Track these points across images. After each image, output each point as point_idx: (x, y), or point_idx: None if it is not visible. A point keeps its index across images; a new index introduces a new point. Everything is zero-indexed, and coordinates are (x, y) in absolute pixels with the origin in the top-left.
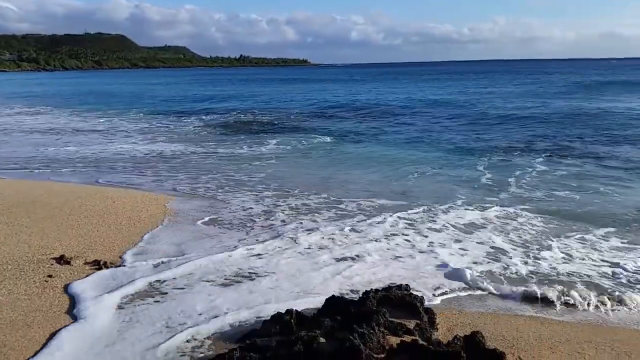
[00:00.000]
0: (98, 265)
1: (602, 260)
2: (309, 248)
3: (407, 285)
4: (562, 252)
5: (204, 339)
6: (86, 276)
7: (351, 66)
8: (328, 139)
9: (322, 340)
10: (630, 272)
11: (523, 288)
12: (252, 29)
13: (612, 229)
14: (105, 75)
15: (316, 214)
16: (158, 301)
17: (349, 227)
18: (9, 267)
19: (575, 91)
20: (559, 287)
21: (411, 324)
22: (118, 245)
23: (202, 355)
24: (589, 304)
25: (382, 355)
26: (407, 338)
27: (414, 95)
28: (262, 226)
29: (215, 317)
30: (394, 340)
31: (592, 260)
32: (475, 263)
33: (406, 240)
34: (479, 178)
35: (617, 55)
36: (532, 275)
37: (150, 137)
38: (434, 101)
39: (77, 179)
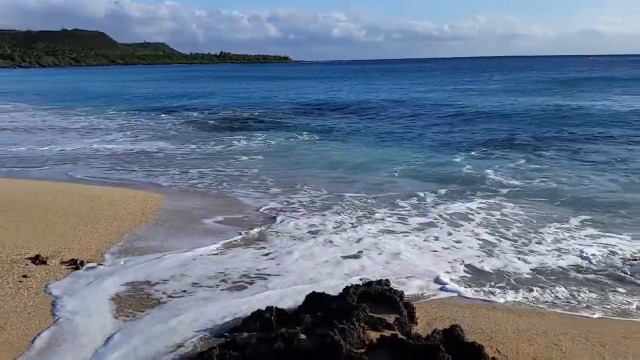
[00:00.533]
0: (75, 264)
1: (579, 251)
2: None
3: (387, 280)
4: (541, 244)
5: (185, 337)
6: (64, 277)
7: (333, 63)
8: (314, 136)
9: (302, 336)
10: (604, 263)
11: (501, 282)
12: (233, 25)
13: (587, 219)
14: (83, 72)
15: (314, 209)
16: (138, 301)
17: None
18: None
19: (554, 88)
20: (536, 280)
21: (391, 318)
22: (96, 243)
23: (183, 353)
24: (565, 296)
25: (362, 350)
26: (387, 333)
27: (395, 92)
28: (251, 220)
29: (196, 319)
30: (374, 335)
31: (569, 251)
32: (457, 259)
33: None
34: (461, 171)
35: (596, 52)
36: (513, 268)
37: (130, 135)
38: (415, 98)
39: (54, 177)
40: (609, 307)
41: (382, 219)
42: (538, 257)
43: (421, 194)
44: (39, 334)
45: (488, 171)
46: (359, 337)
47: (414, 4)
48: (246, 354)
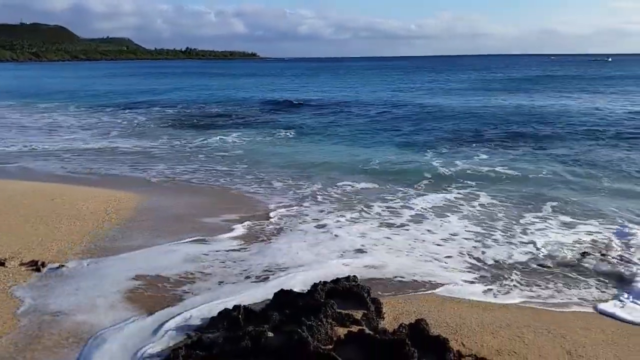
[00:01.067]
0: (35, 266)
1: (540, 243)
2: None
3: (354, 276)
4: (509, 236)
5: (150, 338)
6: (24, 279)
7: (300, 60)
8: (289, 133)
9: (269, 334)
10: (564, 255)
11: (468, 275)
12: (199, 21)
13: (550, 211)
14: (43, 67)
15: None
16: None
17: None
18: None
19: (516, 86)
20: (501, 272)
21: (359, 314)
22: (57, 244)
23: (148, 354)
24: (528, 289)
25: (330, 347)
26: (355, 328)
27: (363, 90)
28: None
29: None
30: (342, 331)
31: (528, 242)
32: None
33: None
34: (431, 165)
35: (555, 51)
36: (481, 260)
37: (98, 133)
38: (382, 96)
39: (13, 176)
40: (569, 299)
41: (379, 214)
42: (499, 249)
43: (402, 189)
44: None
45: (458, 166)
46: (327, 333)
47: (381, 2)
48: (213, 353)
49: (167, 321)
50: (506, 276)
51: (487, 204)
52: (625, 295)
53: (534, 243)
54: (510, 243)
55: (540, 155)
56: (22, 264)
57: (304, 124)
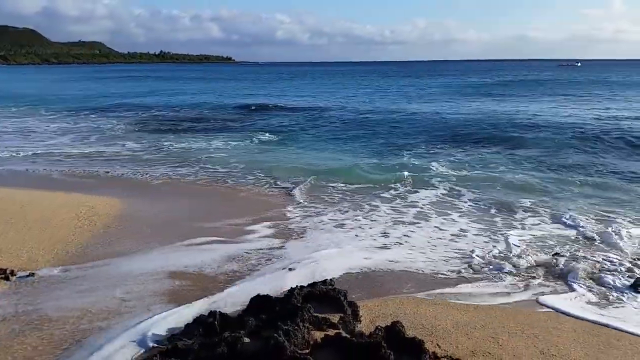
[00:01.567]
0: (4, 274)
1: (511, 243)
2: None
3: (331, 280)
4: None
5: (123, 345)
6: None
7: (277, 64)
8: (272, 137)
9: (246, 340)
10: (537, 255)
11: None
12: (174, 25)
13: (523, 212)
14: (12, 71)
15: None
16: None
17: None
18: None
19: (487, 90)
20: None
21: (335, 317)
22: (27, 252)
23: None
24: (503, 289)
25: (307, 351)
26: (331, 332)
27: (339, 93)
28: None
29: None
30: (319, 335)
31: (507, 243)
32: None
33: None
34: (411, 166)
35: (528, 57)
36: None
37: (76, 137)
38: (358, 100)
39: None
40: (542, 298)
41: (386, 212)
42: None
43: (394, 188)
44: None
45: (434, 164)
46: (304, 337)
47: (357, 8)
48: None
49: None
50: (478, 276)
51: (469, 204)
52: (593, 296)
53: (507, 243)
54: (486, 242)
55: (511, 157)
56: None
57: (283, 127)
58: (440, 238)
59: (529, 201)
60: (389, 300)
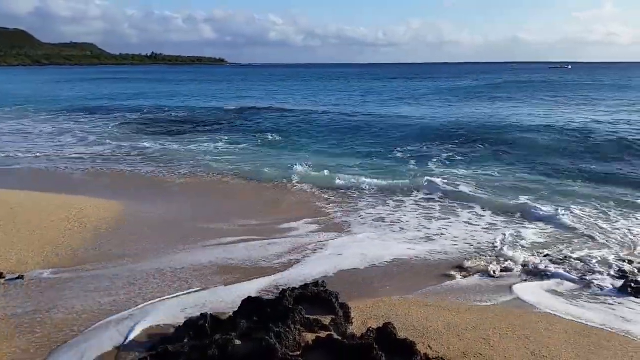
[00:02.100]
0: None
1: (504, 241)
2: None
3: (323, 281)
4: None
5: (113, 348)
6: None
7: (270, 66)
8: (275, 137)
9: (237, 342)
10: (528, 255)
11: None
12: (167, 26)
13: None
14: (2, 72)
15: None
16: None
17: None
18: None
19: (480, 92)
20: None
21: (327, 319)
22: (17, 254)
23: None
24: (493, 291)
25: (298, 353)
26: (323, 334)
27: (331, 95)
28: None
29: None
30: (310, 337)
31: (494, 242)
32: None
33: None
34: (407, 165)
35: (520, 59)
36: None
37: (75, 138)
38: (352, 103)
39: None
40: (533, 299)
41: (413, 208)
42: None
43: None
44: None
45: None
46: (295, 339)
47: (350, 10)
48: None
49: None
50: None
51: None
52: (584, 297)
53: (494, 242)
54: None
55: (503, 158)
56: None
57: (287, 128)
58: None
59: (523, 201)
60: (380, 301)
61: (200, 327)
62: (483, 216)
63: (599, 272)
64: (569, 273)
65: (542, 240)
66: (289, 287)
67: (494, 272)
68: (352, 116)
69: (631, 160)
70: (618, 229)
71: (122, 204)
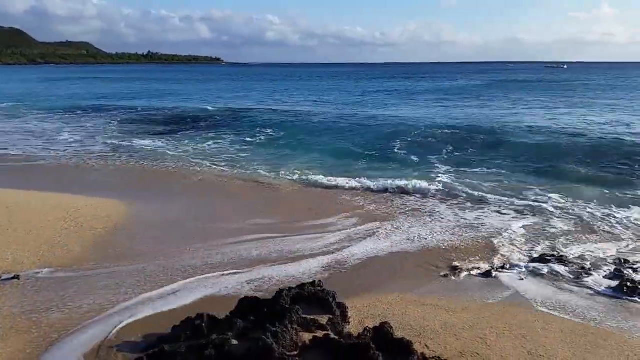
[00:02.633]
0: None
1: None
2: None
3: (320, 281)
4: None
5: (109, 347)
6: None
7: (266, 65)
8: (276, 134)
9: (234, 342)
10: (521, 254)
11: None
12: (164, 25)
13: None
14: None
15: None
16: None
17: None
18: None
19: (477, 93)
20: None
21: (324, 319)
22: (12, 253)
23: None
24: (490, 290)
25: (295, 352)
26: (320, 333)
27: (329, 95)
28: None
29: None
30: (307, 337)
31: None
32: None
33: None
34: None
35: (517, 59)
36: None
37: (85, 135)
38: (350, 104)
39: None
40: (530, 299)
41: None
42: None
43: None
44: None
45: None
46: (292, 339)
47: (348, 9)
48: None
49: None
50: (468, 277)
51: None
52: (580, 296)
53: (490, 241)
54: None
55: (496, 158)
56: None
57: (280, 129)
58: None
59: (519, 200)
60: (377, 301)
61: (197, 326)
62: (480, 215)
63: (596, 272)
64: (565, 272)
65: (538, 240)
66: (286, 287)
67: (491, 271)
68: (351, 116)
69: (628, 161)
70: (615, 227)
71: (122, 204)
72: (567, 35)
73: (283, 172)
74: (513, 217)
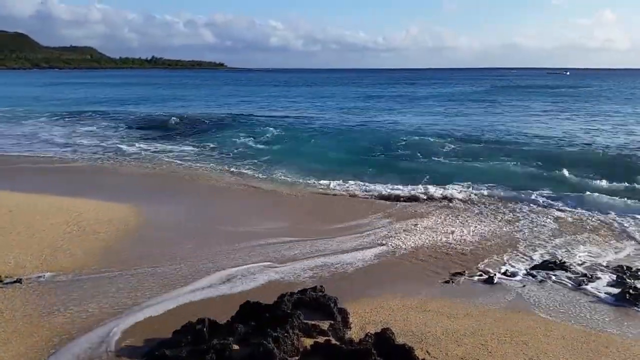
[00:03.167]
0: None
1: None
2: None
3: (321, 286)
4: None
5: (111, 352)
6: None
7: (269, 71)
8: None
9: (235, 347)
10: (530, 261)
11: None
12: (168, 30)
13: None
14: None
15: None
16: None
17: None
18: None
19: (478, 98)
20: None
21: (325, 324)
22: (15, 257)
23: None
24: (491, 297)
25: (296, 358)
26: (321, 339)
27: (332, 101)
28: None
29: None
30: (308, 342)
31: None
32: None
33: None
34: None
35: (518, 65)
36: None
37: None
38: (354, 109)
39: None
40: (532, 305)
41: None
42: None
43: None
44: None
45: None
46: (293, 344)
47: (350, 15)
48: None
49: None
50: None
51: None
52: (581, 303)
53: (492, 247)
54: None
55: (497, 164)
56: None
57: (283, 134)
58: None
59: (519, 207)
60: (379, 307)
61: (198, 331)
62: (481, 222)
63: (597, 278)
64: (567, 279)
65: (540, 246)
66: (287, 292)
67: (493, 277)
68: (355, 122)
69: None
70: (618, 234)
71: (127, 207)
72: (569, 41)
73: (291, 178)
74: (515, 224)
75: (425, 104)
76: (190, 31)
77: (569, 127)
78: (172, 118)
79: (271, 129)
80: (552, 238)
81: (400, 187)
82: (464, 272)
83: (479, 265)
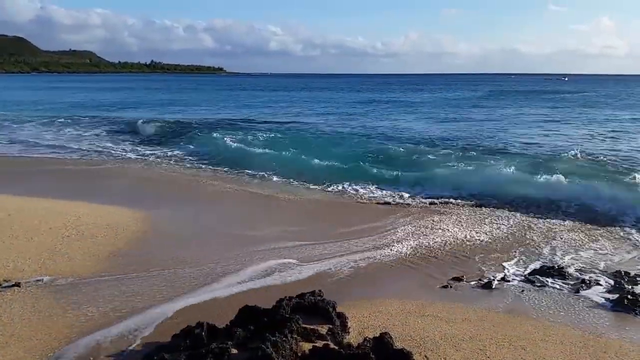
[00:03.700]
0: None
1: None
2: None
3: (320, 290)
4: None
5: (110, 356)
6: None
7: (268, 76)
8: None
9: (233, 351)
10: (525, 265)
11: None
12: (168, 35)
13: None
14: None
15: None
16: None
17: None
18: None
19: (476, 103)
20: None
21: (324, 329)
22: (13, 260)
23: None
24: (490, 301)
25: None
26: (320, 343)
27: (331, 106)
28: None
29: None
30: (307, 346)
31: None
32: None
33: None
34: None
35: (517, 71)
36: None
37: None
38: (354, 115)
39: None
40: (530, 310)
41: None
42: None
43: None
44: None
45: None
46: (292, 349)
47: (349, 20)
48: None
49: None
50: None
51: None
52: (580, 309)
53: (491, 252)
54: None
55: (494, 168)
56: None
57: (282, 139)
58: None
59: (518, 212)
60: (377, 311)
61: (196, 335)
62: (480, 226)
63: (596, 284)
64: (565, 284)
65: (539, 251)
66: (286, 296)
67: (491, 282)
68: (354, 127)
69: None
70: (617, 240)
71: (128, 211)
72: (567, 48)
73: (290, 182)
74: (514, 228)
75: (424, 109)
76: (189, 36)
77: (567, 132)
78: (171, 122)
79: (270, 133)
80: (550, 243)
81: (399, 192)
82: (463, 277)
83: (477, 270)
